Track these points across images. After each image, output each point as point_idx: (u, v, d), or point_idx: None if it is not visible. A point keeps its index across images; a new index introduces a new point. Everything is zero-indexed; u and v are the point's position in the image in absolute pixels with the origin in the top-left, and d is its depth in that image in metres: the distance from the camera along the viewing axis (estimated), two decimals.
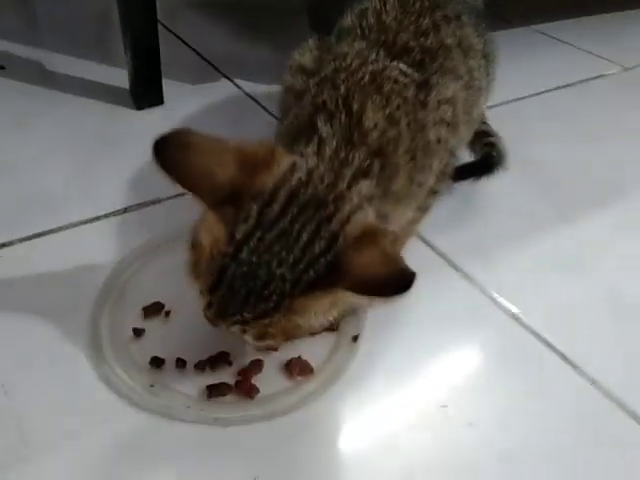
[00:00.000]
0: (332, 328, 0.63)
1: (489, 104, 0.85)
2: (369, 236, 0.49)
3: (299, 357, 0.60)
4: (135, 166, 0.86)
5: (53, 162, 0.88)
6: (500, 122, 0.94)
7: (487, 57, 0.72)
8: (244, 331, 0.51)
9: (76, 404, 0.56)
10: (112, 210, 0.78)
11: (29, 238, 0.73)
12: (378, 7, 0.64)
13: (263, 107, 1.05)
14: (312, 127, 0.55)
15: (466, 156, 0.85)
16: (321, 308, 0.51)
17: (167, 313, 0.64)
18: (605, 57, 1.49)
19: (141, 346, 0.61)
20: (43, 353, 0.60)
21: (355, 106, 0.55)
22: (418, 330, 0.67)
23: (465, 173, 0.81)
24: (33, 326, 0.62)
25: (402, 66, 0.59)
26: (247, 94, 1.09)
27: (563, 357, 0.65)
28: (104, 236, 0.75)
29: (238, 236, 0.48)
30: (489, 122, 0.89)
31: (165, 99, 1.03)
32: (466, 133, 0.70)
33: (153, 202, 0.80)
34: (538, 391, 0.62)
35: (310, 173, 0.51)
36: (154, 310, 0.64)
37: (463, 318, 0.69)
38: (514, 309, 0.70)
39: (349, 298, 0.50)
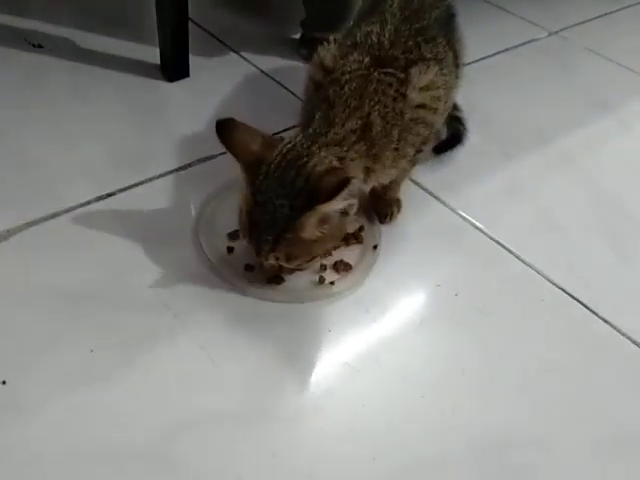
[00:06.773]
0: (359, 240, 0.92)
1: None
2: (331, 170, 0.75)
3: (341, 260, 0.90)
4: (183, 130, 1.10)
5: (118, 128, 1.09)
6: None
7: (456, 54, 0.96)
8: (277, 258, 0.77)
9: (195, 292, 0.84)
10: (181, 165, 1.03)
11: (126, 189, 0.97)
12: (378, 31, 0.87)
13: (264, 73, 1.31)
14: (314, 114, 0.81)
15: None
16: (315, 223, 0.75)
17: None
18: (536, 22, 1.78)
19: (232, 258, 0.89)
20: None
21: (349, 101, 0.80)
22: (414, 240, 0.97)
23: (442, 149, 1.11)
24: (152, 249, 0.88)
25: (389, 70, 0.83)
26: (253, 65, 1.33)
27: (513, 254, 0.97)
28: (179, 186, 0.99)
29: (255, 188, 0.74)
30: None
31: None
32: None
33: (208, 158, 1.05)
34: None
35: (295, 143, 0.77)
36: (236, 235, 0.90)
37: (441, 232, 1.00)
38: (478, 224, 1.01)
39: (329, 210, 0.74)
